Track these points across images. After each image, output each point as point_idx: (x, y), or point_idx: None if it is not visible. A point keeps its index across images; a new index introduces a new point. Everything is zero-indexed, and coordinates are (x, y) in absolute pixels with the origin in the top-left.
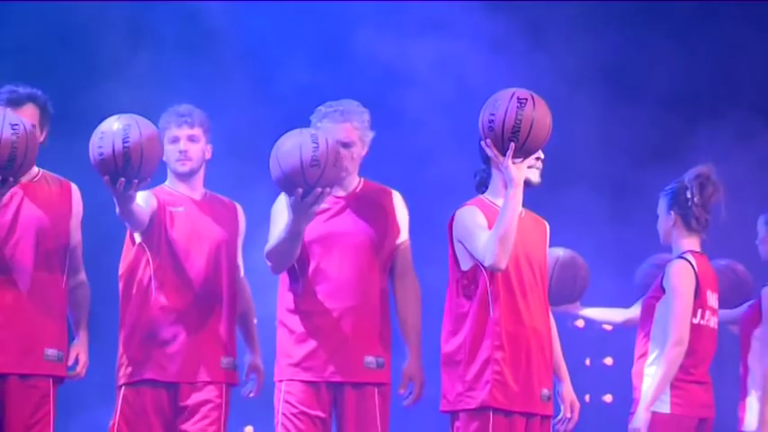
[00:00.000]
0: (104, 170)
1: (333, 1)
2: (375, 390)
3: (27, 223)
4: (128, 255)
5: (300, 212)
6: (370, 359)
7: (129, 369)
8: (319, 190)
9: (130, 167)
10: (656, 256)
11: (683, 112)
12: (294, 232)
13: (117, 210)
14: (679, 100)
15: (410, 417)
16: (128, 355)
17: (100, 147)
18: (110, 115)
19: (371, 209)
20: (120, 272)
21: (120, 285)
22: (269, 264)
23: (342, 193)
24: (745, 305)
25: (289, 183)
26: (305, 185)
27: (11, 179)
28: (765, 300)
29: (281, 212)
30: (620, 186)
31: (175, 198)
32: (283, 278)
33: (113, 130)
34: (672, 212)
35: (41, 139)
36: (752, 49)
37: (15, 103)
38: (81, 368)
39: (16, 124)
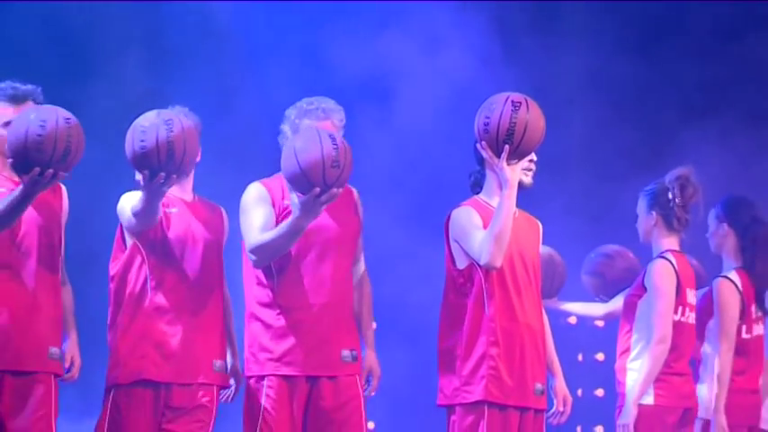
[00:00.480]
0: (145, 164)
1: (326, 2)
2: (356, 378)
3: (30, 222)
4: (120, 255)
5: (311, 211)
6: (346, 353)
7: (122, 370)
8: (335, 190)
9: (173, 161)
10: (605, 246)
11: (665, 118)
12: (298, 229)
13: (140, 206)
14: (660, 105)
15: (407, 412)
16: (120, 357)
17: (142, 140)
18: (103, 116)
19: (341, 206)
20: (111, 273)
21: (112, 286)
22: (253, 258)
23: None
24: (699, 294)
25: (305, 181)
26: (323, 185)
27: (61, 173)
28: (716, 291)
29: (255, 206)
30: (599, 187)
31: (169, 199)
32: (251, 272)
33: (156, 123)
34: (653, 212)
35: None
36: (731, 53)
37: (17, 100)
38: (76, 371)
39: (69, 117)
